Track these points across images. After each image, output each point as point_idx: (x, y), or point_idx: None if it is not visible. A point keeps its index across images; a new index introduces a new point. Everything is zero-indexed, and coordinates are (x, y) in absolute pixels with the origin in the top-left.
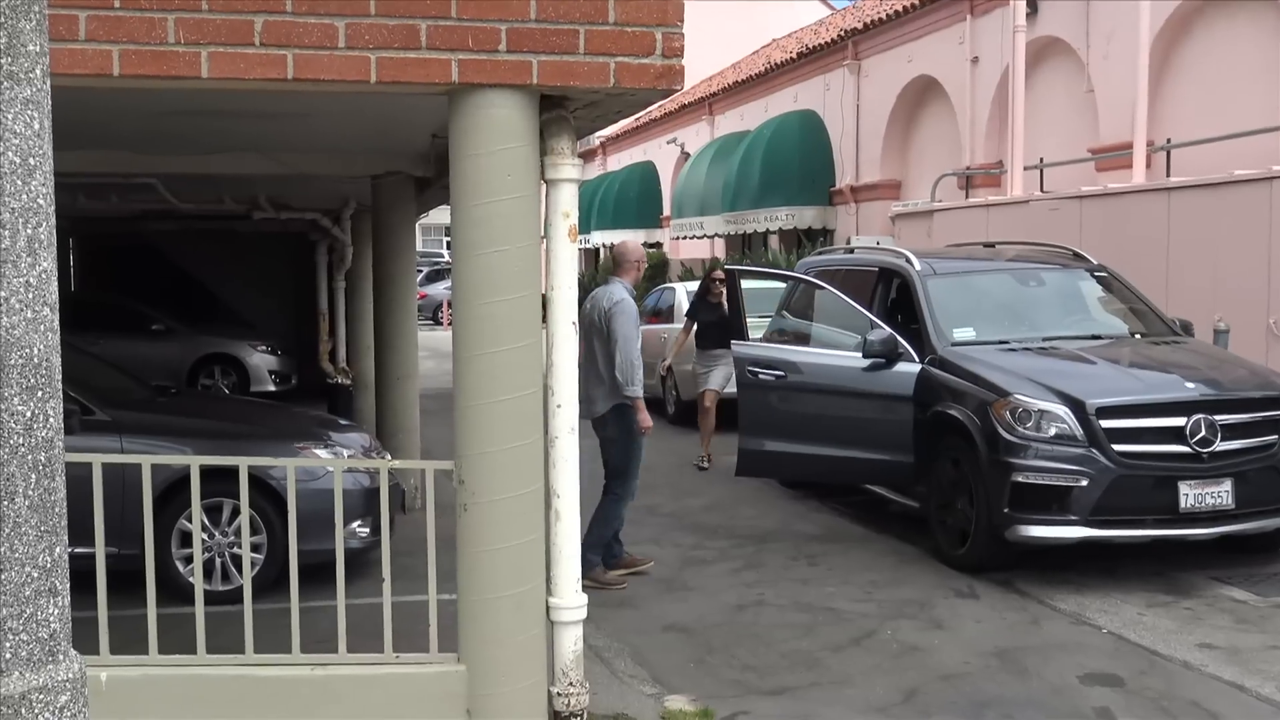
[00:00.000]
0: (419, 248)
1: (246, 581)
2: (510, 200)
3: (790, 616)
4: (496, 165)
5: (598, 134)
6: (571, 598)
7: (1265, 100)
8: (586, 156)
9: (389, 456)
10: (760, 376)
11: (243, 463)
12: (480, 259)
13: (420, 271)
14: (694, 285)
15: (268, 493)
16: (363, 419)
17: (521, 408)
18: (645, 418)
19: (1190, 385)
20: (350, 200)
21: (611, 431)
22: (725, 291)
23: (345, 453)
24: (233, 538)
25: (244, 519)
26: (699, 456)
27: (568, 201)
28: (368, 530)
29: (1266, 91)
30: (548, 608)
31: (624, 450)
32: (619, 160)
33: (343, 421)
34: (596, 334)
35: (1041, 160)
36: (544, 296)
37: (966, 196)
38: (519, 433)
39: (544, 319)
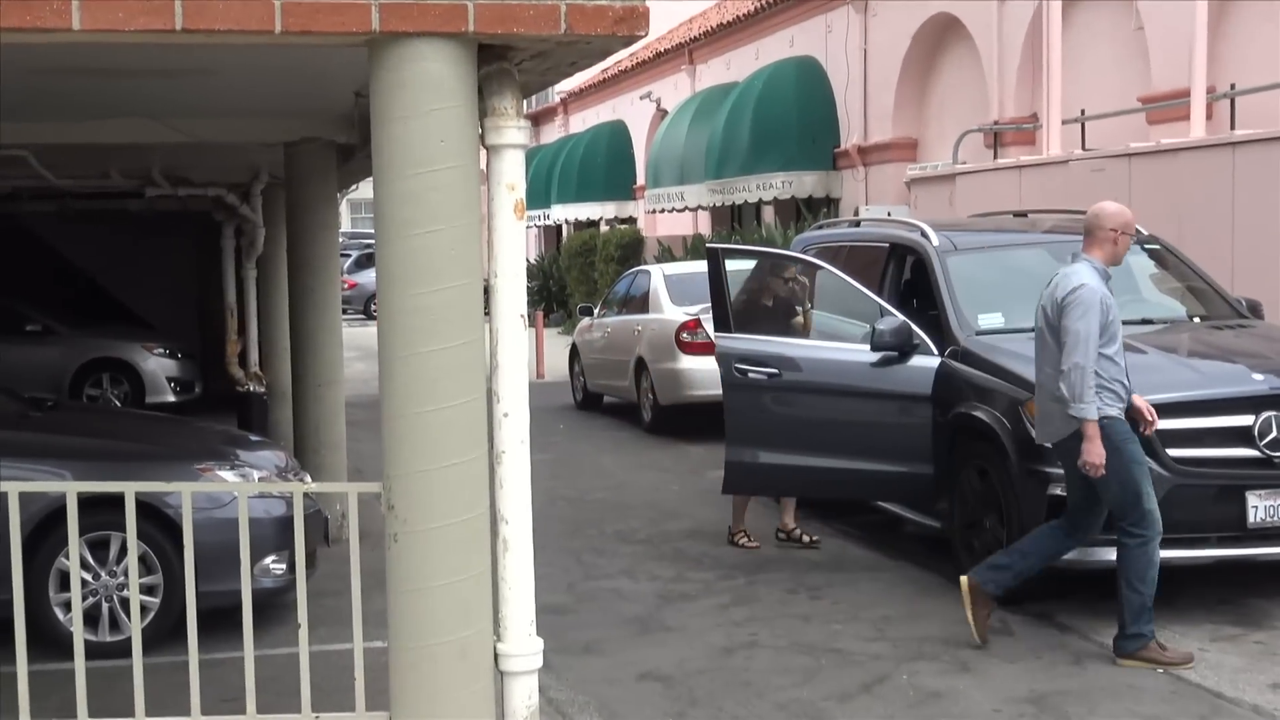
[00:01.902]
0: (345, 227)
1: (136, 630)
2: (444, 171)
3: (788, 660)
4: (427, 129)
5: (558, 88)
6: (523, 643)
7: None
8: (545, 115)
9: (308, 478)
10: (750, 375)
11: (129, 488)
12: (409, 241)
13: (347, 256)
14: (674, 267)
15: (164, 524)
16: (280, 434)
17: (461, 418)
18: (1093, 450)
19: (1259, 377)
20: (261, 172)
21: (1076, 460)
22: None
23: (256, 474)
24: (122, 578)
25: (131, 556)
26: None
27: (513, 171)
28: (284, 567)
29: None
30: (496, 655)
31: (1116, 471)
32: (584, 120)
33: (254, 438)
34: (1050, 330)
35: (1083, 113)
36: (486, 285)
37: (995, 157)
38: (458, 448)
39: (487, 312)
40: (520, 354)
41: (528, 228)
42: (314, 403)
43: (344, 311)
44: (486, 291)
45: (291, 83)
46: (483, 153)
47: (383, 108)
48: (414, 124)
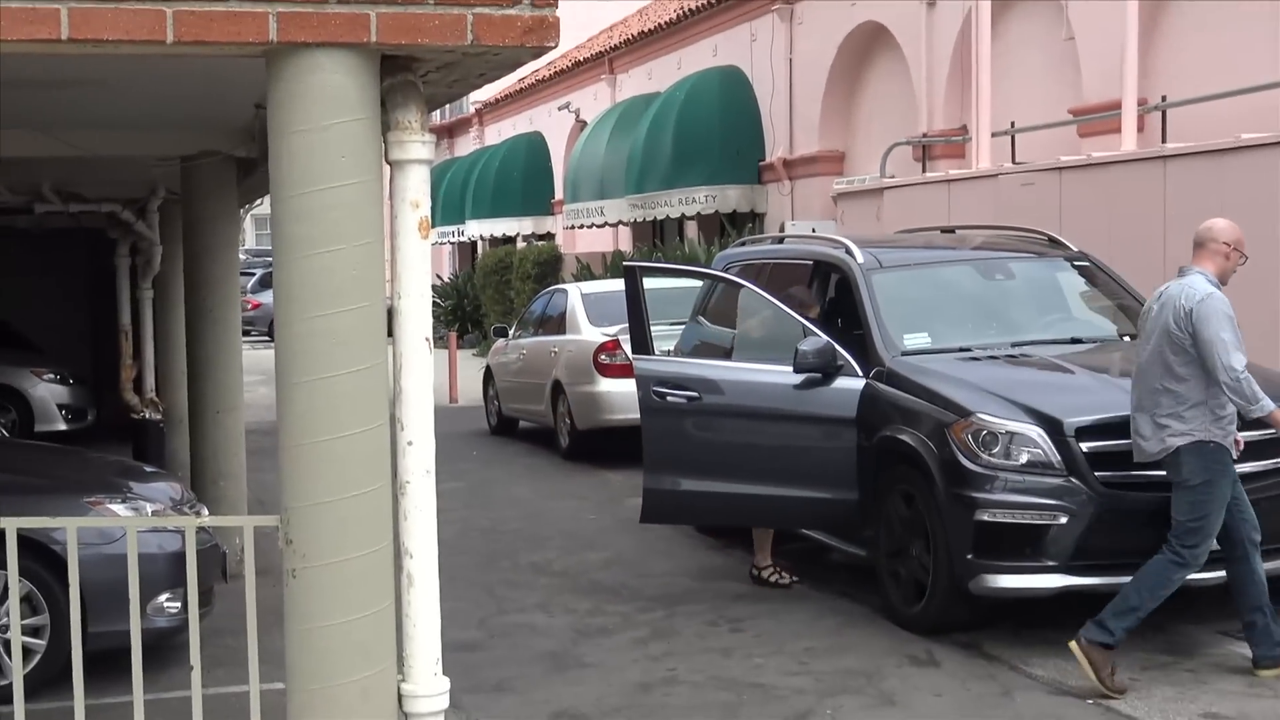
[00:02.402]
0: (248, 245)
1: (17, 675)
2: (345, 187)
3: (709, 695)
4: (327, 144)
5: (472, 99)
6: (429, 682)
7: (1277, 49)
8: (459, 127)
9: (204, 510)
10: (669, 399)
11: (10, 524)
12: (308, 261)
13: (250, 275)
14: (593, 286)
15: (51, 562)
16: (177, 463)
17: (363, 446)
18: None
19: None
20: (158, 188)
21: (1188, 474)
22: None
23: (149, 508)
24: (4, 619)
25: (13, 596)
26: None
27: (417, 188)
28: (179, 605)
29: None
30: (400, 696)
31: (1201, 499)
32: (499, 131)
33: (149, 468)
34: (1169, 344)
35: (1013, 125)
36: (390, 307)
37: (923, 170)
38: (360, 478)
39: (390, 335)
40: (425, 379)
41: (441, 244)
42: (212, 430)
43: (246, 333)
44: (391, 314)
45: (188, 94)
46: (387, 169)
47: (281, 121)
48: (313, 138)
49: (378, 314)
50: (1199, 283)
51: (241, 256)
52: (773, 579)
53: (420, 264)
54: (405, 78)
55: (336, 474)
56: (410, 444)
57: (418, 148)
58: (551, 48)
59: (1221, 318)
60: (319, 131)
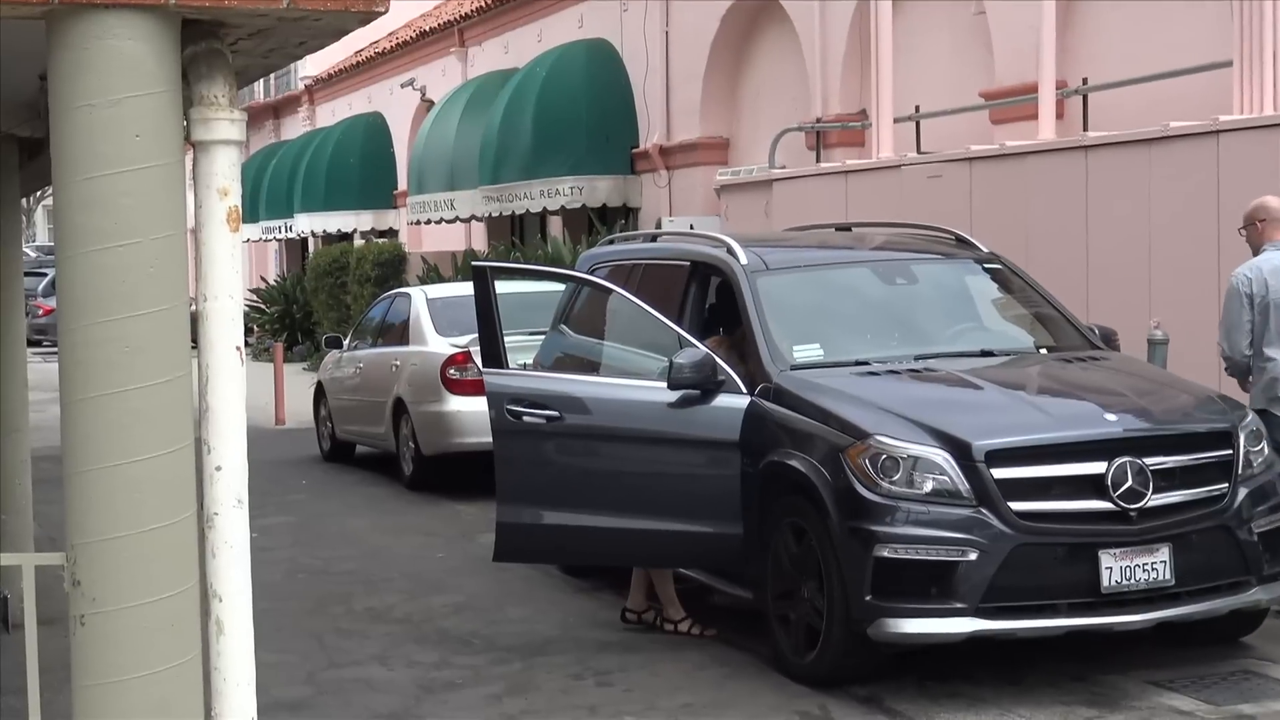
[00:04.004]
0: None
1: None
2: (139, 171)
3: None
4: (119, 120)
5: (302, 74)
6: None
7: (1209, 28)
8: (286, 105)
9: None
10: (526, 419)
11: None
12: (96, 257)
13: (42, 275)
14: (440, 289)
15: None
16: None
17: (162, 473)
18: None
19: (1112, 417)
20: None
21: None
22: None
23: None
24: None
25: None
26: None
27: (225, 173)
28: None
29: (1211, 17)
30: None
31: None
32: (333, 111)
33: None
34: None
35: (918, 110)
36: (194, 311)
37: (818, 160)
38: (159, 509)
39: (194, 343)
40: (236, 394)
41: (265, 241)
42: None
43: (37, 343)
44: (195, 319)
45: None
46: (188, 150)
47: (63, 94)
48: (102, 114)
49: (179, 319)
50: None
51: (31, 254)
52: (693, 631)
53: (230, 261)
54: (211, 45)
55: (131, 505)
56: (218, 469)
57: (225, 126)
58: (381, 13)
59: None
60: (109, 106)
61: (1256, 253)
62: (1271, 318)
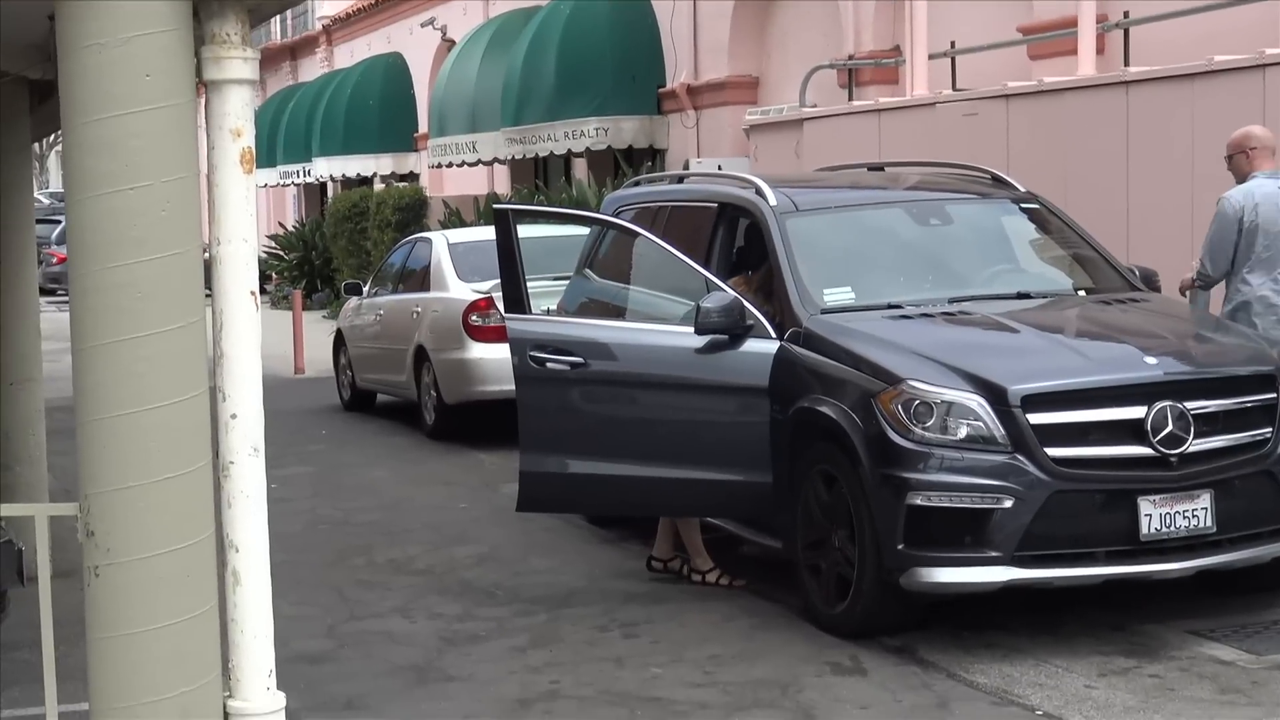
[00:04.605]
0: (51, 188)
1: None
2: (150, 112)
3: (597, 712)
4: (128, 60)
5: (319, 14)
6: (261, 699)
7: None
8: (303, 47)
9: None
10: (549, 365)
11: None
12: (106, 201)
13: (55, 223)
14: (462, 234)
15: None
16: None
17: (176, 420)
18: None
19: (1152, 360)
20: None
21: None
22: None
23: None
24: None
25: None
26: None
27: (239, 113)
28: None
29: None
30: (227, 715)
31: None
32: (352, 52)
33: None
34: None
35: (953, 46)
36: (207, 255)
37: (850, 98)
38: (174, 458)
39: (209, 289)
40: (251, 340)
41: (283, 186)
42: (4, 406)
43: (51, 292)
44: (209, 264)
45: None
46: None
47: (71, 33)
48: (112, 53)
49: (192, 263)
50: None
51: (44, 201)
52: (721, 581)
53: (244, 204)
54: None
55: (145, 454)
56: (234, 417)
57: (238, 65)
58: None
59: None
60: (118, 45)
61: (1242, 180)
62: (1258, 242)
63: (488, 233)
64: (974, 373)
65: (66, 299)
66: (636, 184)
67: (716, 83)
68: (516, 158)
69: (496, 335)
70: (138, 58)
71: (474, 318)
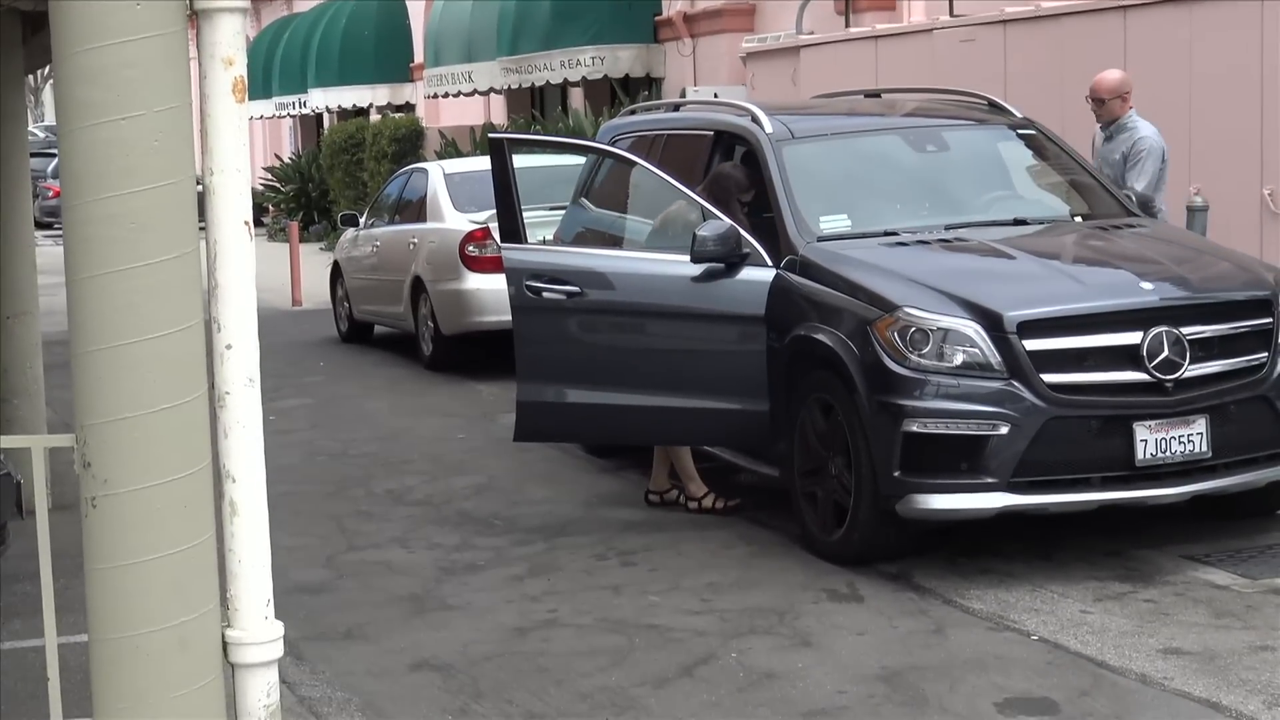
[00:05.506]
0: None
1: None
2: (141, 41)
3: (595, 640)
4: None
5: None
6: (259, 628)
7: None
8: None
9: None
10: (546, 295)
11: None
12: (97, 131)
13: (51, 156)
14: (458, 164)
15: None
16: None
17: (171, 351)
18: None
19: (1148, 286)
20: None
21: None
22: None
23: None
24: None
25: None
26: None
27: (230, 42)
28: None
29: None
30: (225, 644)
31: None
32: None
33: None
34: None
35: None
36: (200, 185)
37: (847, 25)
38: (169, 389)
39: (202, 220)
40: (246, 270)
41: (279, 118)
42: (1, 340)
43: (49, 225)
44: (202, 194)
45: None
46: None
47: None
48: None
49: (185, 193)
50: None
51: (39, 134)
52: (717, 505)
53: (236, 133)
54: None
55: (140, 384)
56: (229, 348)
57: None
58: None
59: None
60: None
61: (1111, 123)
62: (1164, 172)
63: (484, 163)
64: (970, 299)
65: (59, 233)
66: (633, 113)
67: (713, 10)
68: (513, 87)
69: (493, 265)
70: None
71: (470, 248)
